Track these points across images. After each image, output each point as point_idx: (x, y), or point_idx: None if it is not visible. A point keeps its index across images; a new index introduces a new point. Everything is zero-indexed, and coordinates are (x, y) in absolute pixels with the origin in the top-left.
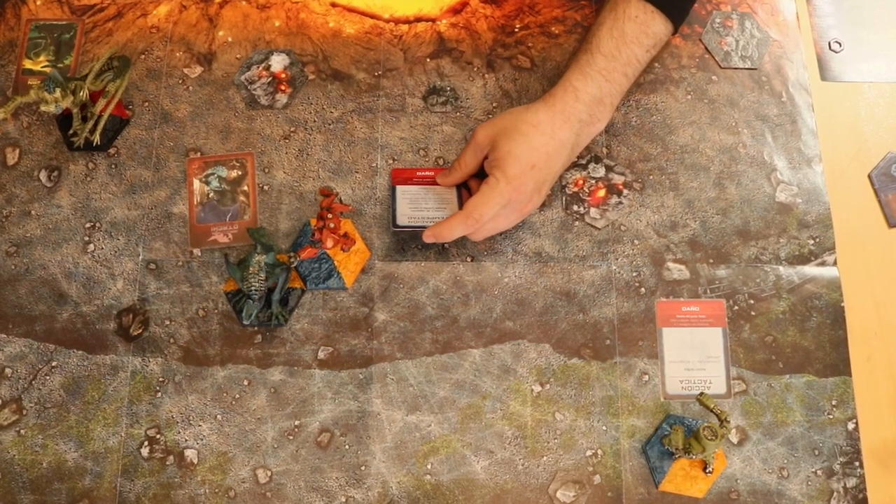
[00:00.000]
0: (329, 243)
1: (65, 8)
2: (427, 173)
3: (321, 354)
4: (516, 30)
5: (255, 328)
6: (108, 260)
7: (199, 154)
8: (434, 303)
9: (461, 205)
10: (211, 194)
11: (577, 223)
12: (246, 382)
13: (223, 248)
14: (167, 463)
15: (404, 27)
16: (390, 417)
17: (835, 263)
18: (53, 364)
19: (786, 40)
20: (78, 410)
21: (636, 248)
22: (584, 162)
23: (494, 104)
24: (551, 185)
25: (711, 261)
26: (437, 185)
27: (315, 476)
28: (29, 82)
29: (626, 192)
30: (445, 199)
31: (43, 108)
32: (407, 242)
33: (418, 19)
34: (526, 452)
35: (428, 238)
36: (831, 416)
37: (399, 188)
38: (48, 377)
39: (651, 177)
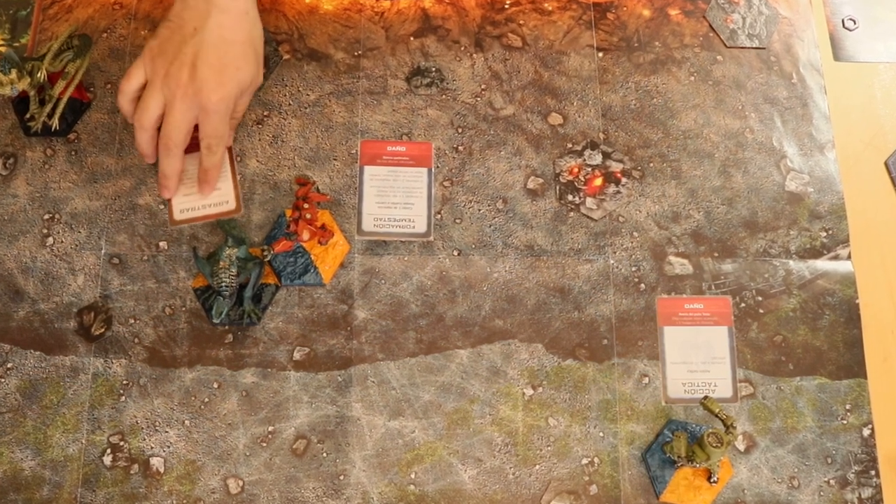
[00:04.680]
0: (305, 236)
1: None
2: (398, 149)
3: (297, 355)
4: (506, 6)
5: (226, 327)
6: (67, 254)
7: None
8: (418, 300)
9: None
10: None
11: (571, 214)
12: (216, 385)
13: (197, 224)
14: (131, 472)
15: (386, 3)
16: (371, 423)
17: (849, 257)
18: (9, 366)
19: (796, 17)
20: (35, 415)
21: (635, 240)
22: (579, 148)
23: (483, 86)
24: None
25: (716, 254)
26: (408, 165)
27: (290, 486)
28: None
29: (624, 180)
30: (414, 189)
31: None
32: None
33: None
34: (517, 460)
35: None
36: (845, 422)
37: (367, 170)
38: (3, 380)
39: (651, 164)
